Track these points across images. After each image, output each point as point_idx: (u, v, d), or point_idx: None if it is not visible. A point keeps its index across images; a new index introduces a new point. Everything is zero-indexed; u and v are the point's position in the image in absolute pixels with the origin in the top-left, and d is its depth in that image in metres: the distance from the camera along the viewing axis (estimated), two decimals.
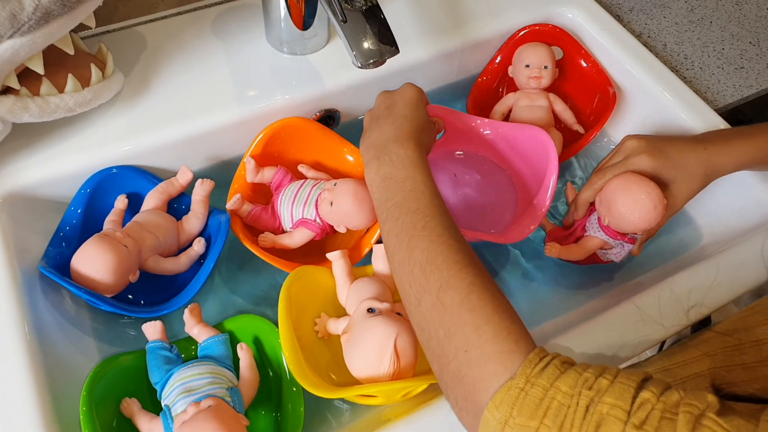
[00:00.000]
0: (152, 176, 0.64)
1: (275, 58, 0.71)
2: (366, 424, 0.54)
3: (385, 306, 0.54)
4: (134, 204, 0.63)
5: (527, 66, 0.75)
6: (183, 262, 0.61)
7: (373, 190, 0.52)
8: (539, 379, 0.37)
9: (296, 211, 0.63)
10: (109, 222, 0.61)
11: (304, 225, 0.63)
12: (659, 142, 0.62)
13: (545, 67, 0.74)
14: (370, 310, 0.53)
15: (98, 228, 0.61)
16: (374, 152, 0.53)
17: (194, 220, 0.63)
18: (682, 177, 0.60)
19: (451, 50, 0.75)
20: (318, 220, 0.63)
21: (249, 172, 0.65)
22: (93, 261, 0.54)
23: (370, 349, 0.50)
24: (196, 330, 0.56)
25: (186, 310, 0.57)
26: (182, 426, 0.46)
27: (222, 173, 0.67)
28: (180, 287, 0.59)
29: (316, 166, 0.68)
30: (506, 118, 0.77)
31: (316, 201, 0.62)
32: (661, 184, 0.60)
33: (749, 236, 0.63)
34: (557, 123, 0.76)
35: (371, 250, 0.63)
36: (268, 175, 0.66)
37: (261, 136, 0.66)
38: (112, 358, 0.54)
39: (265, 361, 0.58)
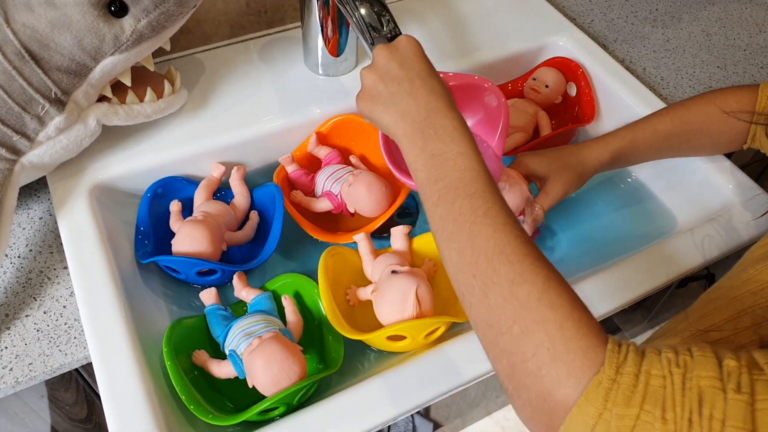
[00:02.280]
0: (193, 180, 0.77)
1: (312, 79, 0.85)
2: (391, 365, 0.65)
3: (405, 268, 0.66)
4: (185, 206, 0.76)
5: (534, 79, 0.90)
6: (248, 231, 0.74)
7: (417, 167, 0.47)
8: (626, 367, 0.36)
9: (328, 183, 0.76)
10: (177, 217, 0.73)
11: (328, 197, 0.76)
12: (544, 150, 0.74)
13: (546, 86, 0.89)
14: (394, 272, 0.65)
15: (166, 227, 0.73)
16: (413, 125, 0.48)
17: (241, 198, 0.76)
18: (555, 171, 0.72)
19: None
20: (339, 196, 0.75)
21: (311, 143, 0.80)
22: (194, 237, 0.67)
23: (395, 298, 0.61)
24: (245, 292, 0.68)
25: (234, 277, 0.68)
26: (251, 354, 0.57)
27: (268, 172, 0.80)
28: (255, 251, 0.74)
29: (362, 159, 0.82)
30: None
31: (343, 183, 0.75)
32: (538, 178, 0.74)
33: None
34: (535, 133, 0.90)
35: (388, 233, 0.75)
36: (323, 152, 0.80)
37: (331, 121, 0.81)
38: (180, 320, 0.65)
39: (305, 310, 0.69)
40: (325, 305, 0.63)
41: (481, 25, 0.94)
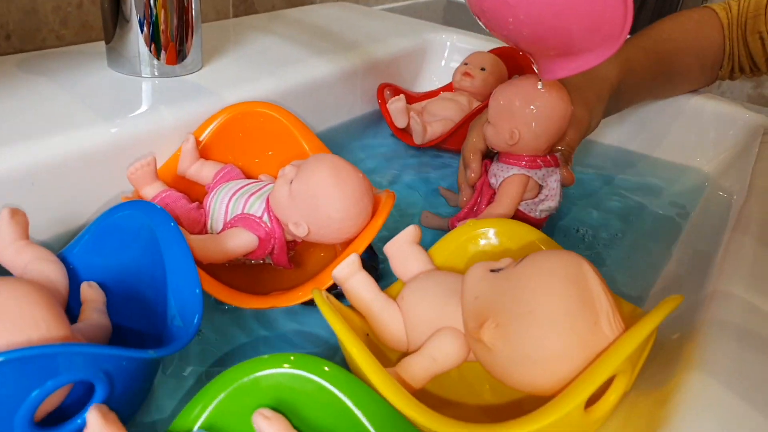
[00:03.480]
0: None
1: (134, 82, 0.60)
2: None
3: (504, 262, 0.36)
4: None
5: (465, 64, 0.74)
6: (96, 318, 0.38)
7: None
8: None
9: (235, 205, 0.46)
10: None
11: (244, 223, 0.44)
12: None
13: (482, 69, 0.73)
14: (494, 271, 0.36)
15: None
16: None
17: (41, 266, 0.38)
18: (576, 96, 0.54)
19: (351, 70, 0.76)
20: (266, 217, 0.44)
21: (185, 157, 0.50)
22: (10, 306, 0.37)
23: (567, 302, 0.32)
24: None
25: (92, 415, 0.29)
26: None
27: (66, 235, 0.48)
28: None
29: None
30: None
31: (268, 196, 0.46)
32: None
33: None
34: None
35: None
36: (209, 170, 0.50)
37: (216, 122, 0.55)
38: None
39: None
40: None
41: None
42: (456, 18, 1.29)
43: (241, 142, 0.56)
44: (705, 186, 0.71)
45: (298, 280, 0.45)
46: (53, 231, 0.48)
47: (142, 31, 0.59)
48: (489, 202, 0.53)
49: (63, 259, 0.40)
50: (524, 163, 0.51)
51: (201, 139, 0.55)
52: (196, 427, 0.30)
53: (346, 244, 0.45)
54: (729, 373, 0.31)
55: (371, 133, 0.76)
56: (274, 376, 0.30)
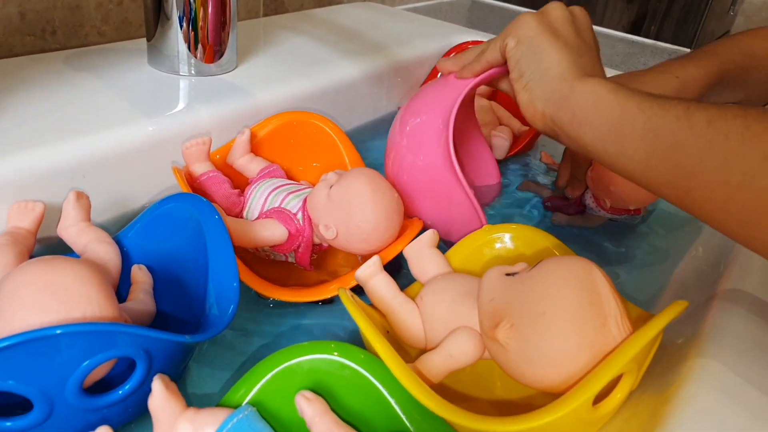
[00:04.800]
0: None
1: (173, 80, 0.64)
2: None
3: (519, 266, 0.39)
4: None
5: None
6: (143, 299, 0.42)
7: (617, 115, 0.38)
8: None
9: (274, 199, 0.48)
10: None
11: (278, 216, 0.46)
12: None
13: None
14: (509, 275, 0.38)
15: None
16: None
17: (99, 248, 0.42)
18: None
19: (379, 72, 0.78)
20: (300, 215, 0.46)
21: (237, 148, 0.52)
22: (60, 287, 0.35)
23: (574, 306, 0.34)
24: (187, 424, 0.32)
25: (156, 386, 0.33)
26: None
27: (121, 219, 0.53)
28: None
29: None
30: None
31: (306, 197, 0.48)
32: None
33: None
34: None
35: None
36: (255, 167, 0.53)
37: (275, 122, 0.58)
38: None
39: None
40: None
41: None
42: (480, 19, 1.31)
43: (291, 147, 0.59)
44: None
45: (316, 281, 0.48)
46: (103, 218, 0.52)
47: (181, 28, 0.62)
48: (579, 211, 0.62)
49: (118, 242, 0.44)
50: (612, 211, 0.61)
51: (258, 135, 0.57)
52: (244, 402, 0.33)
53: (367, 257, 0.45)
54: (729, 375, 0.34)
55: None
56: (315, 361, 0.33)
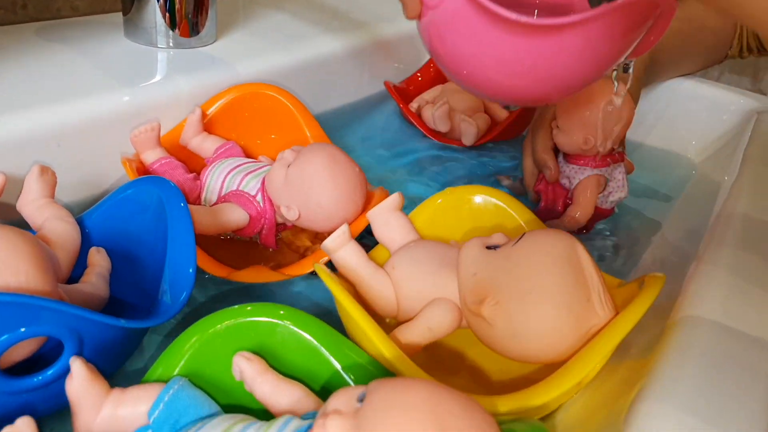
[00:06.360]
0: None
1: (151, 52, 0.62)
2: None
3: (497, 238, 0.39)
4: None
5: None
6: (96, 282, 0.39)
7: None
8: None
9: (231, 181, 0.47)
10: None
11: (237, 199, 0.44)
12: None
13: None
14: (491, 247, 0.38)
15: None
16: None
17: (58, 226, 0.39)
18: None
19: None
20: (259, 197, 0.45)
21: (189, 127, 0.51)
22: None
23: (559, 285, 0.34)
24: (112, 404, 0.30)
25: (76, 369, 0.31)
26: None
27: (90, 193, 0.51)
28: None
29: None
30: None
31: (264, 177, 0.46)
32: None
33: None
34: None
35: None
36: (209, 146, 0.51)
37: (226, 98, 0.55)
38: None
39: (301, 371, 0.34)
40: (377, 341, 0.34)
41: None
42: None
43: (246, 121, 0.57)
44: (693, 174, 0.73)
45: (283, 260, 0.47)
46: (76, 193, 0.50)
47: (158, 1, 0.60)
48: (564, 204, 0.55)
49: (80, 222, 0.42)
50: (596, 163, 0.53)
51: (208, 112, 0.56)
52: (174, 374, 0.32)
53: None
54: (703, 353, 0.33)
55: (377, 112, 0.78)
56: (241, 324, 0.33)
